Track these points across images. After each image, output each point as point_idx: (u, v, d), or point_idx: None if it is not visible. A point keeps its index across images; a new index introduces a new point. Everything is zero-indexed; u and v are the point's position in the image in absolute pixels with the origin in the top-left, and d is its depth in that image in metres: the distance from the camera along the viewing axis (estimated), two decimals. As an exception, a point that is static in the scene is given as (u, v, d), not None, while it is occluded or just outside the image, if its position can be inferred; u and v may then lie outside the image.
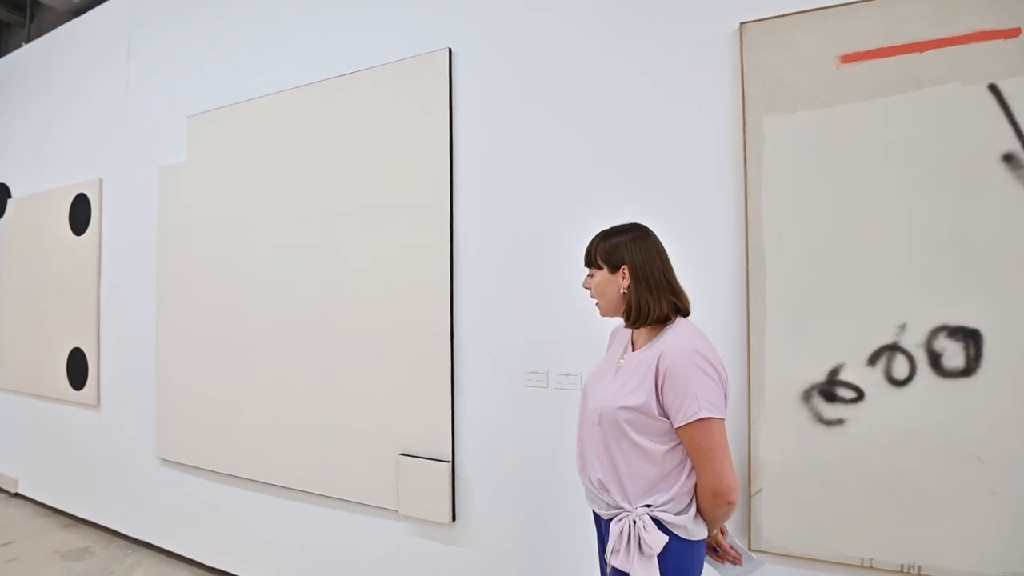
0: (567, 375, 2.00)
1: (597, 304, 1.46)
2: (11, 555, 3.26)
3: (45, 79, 4.07)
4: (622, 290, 1.39)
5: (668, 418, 1.30)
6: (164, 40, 3.30)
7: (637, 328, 1.42)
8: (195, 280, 3.01)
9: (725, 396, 1.30)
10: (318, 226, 2.56)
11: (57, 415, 3.85)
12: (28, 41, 4.34)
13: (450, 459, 2.19)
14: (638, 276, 1.37)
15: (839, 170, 1.60)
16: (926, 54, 1.53)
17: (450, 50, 2.25)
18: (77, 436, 3.71)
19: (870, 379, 1.55)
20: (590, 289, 1.46)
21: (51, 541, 3.45)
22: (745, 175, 1.71)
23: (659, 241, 1.42)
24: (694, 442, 1.27)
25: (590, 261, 1.45)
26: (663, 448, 1.31)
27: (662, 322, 1.38)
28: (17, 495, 4.17)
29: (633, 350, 1.44)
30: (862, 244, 1.57)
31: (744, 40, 1.73)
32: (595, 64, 2.00)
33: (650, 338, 1.39)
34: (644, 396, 1.30)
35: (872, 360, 1.55)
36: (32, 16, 4.70)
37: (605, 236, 1.44)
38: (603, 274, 1.42)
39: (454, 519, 2.21)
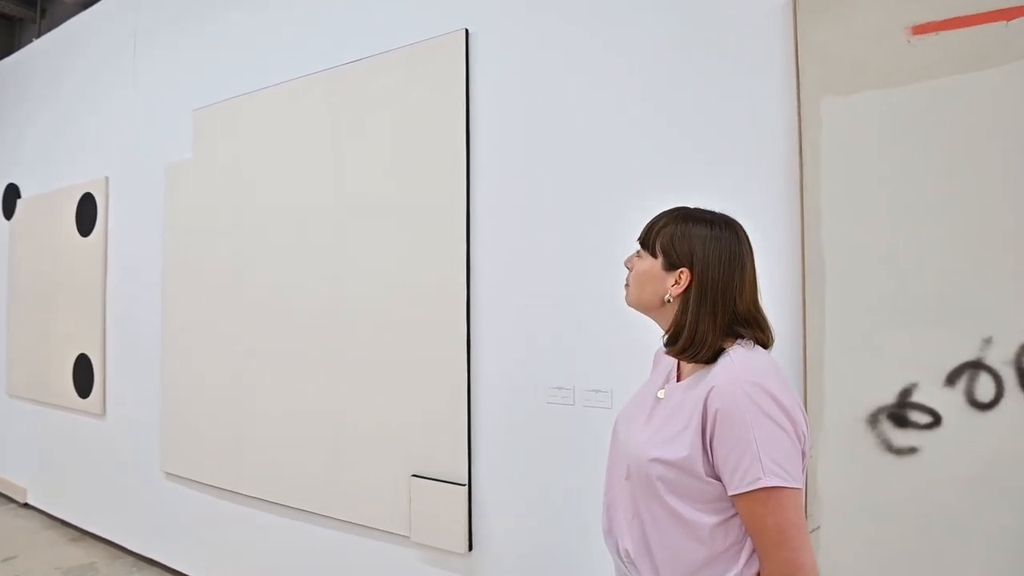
0: (596, 391, 1.89)
1: (628, 288, 1.16)
2: (13, 571, 3.26)
3: (56, 75, 4.12)
4: (667, 296, 1.07)
5: (720, 480, 0.98)
6: (171, 31, 3.30)
7: (679, 359, 1.09)
8: (200, 285, 2.97)
9: (804, 455, 0.97)
10: (326, 225, 2.50)
11: (64, 423, 3.88)
12: (39, 36, 4.37)
13: (466, 482, 2.10)
14: (705, 290, 1.04)
15: (911, 158, 1.45)
16: (1012, 23, 1.36)
17: (467, 31, 2.16)
18: (83, 446, 3.72)
19: (948, 401, 1.39)
20: (630, 269, 1.16)
21: (55, 556, 3.44)
22: (800, 165, 1.57)
23: (751, 250, 1.09)
24: (756, 518, 0.94)
25: (646, 240, 1.13)
26: (711, 520, 0.98)
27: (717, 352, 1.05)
28: (26, 505, 4.21)
29: (678, 380, 1.14)
30: (939, 244, 1.41)
31: (798, 11, 1.58)
32: (628, 44, 1.88)
33: (701, 365, 1.06)
34: (686, 448, 0.99)
35: (951, 379, 1.39)
36: (43, 11, 4.74)
37: (680, 217, 1.10)
38: (652, 264, 1.10)
39: (471, 548, 2.11)
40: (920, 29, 1.45)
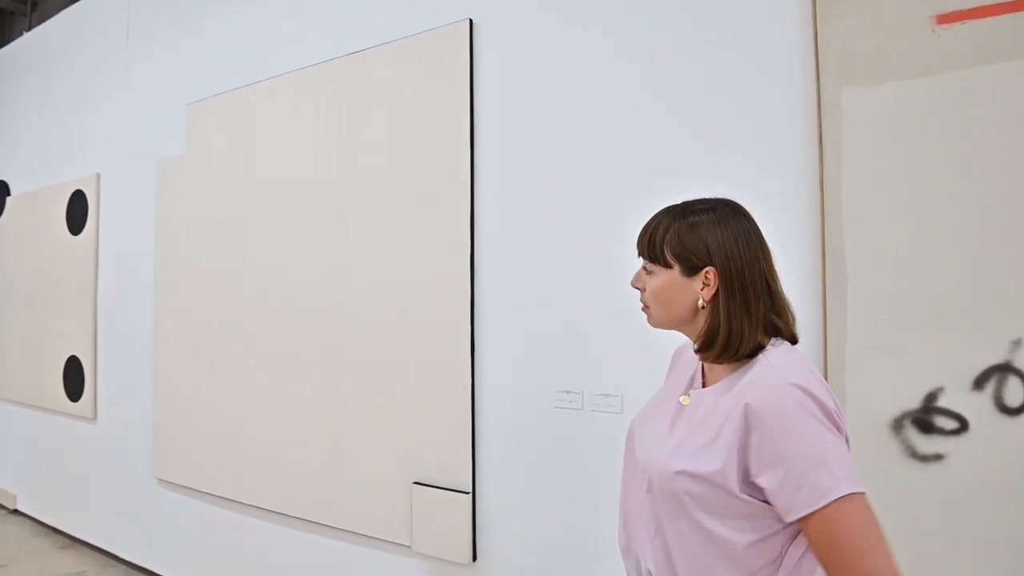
0: (605, 395, 1.86)
1: (648, 310, 1.05)
2: (0, 580, 3.24)
3: (46, 69, 4.11)
4: (701, 302, 0.98)
5: (765, 501, 0.89)
6: (164, 24, 3.28)
7: (715, 362, 1.00)
8: (193, 284, 2.95)
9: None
10: (323, 225, 2.48)
11: (55, 428, 3.86)
12: (29, 29, 4.36)
13: (470, 490, 2.07)
14: (732, 283, 0.95)
15: (937, 152, 1.42)
16: (1043, 11, 1.34)
17: (471, 21, 2.14)
18: (74, 451, 3.71)
19: (976, 406, 1.36)
20: (642, 291, 1.05)
21: (45, 565, 3.42)
22: (821, 160, 1.54)
23: (757, 225, 1.01)
24: (839, 537, 0.83)
25: (652, 252, 1.02)
26: (746, 539, 0.90)
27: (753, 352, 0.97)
28: (16, 511, 4.18)
29: (704, 385, 1.05)
30: (966, 241, 1.38)
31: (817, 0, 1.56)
32: (641, 34, 1.85)
33: (733, 369, 0.98)
34: (719, 461, 0.90)
35: (979, 383, 1.37)
36: (34, 4, 4.72)
37: (679, 214, 1.01)
38: (671, 275, 1.00)
39: (475, 558, 2.09)
40: (945, 18, 1.42)
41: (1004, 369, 1.34)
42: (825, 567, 0.86)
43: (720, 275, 0.96)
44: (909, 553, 1.40)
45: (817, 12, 1.55)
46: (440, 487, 2.12)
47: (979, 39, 1.39)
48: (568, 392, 1.93)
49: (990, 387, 1.35)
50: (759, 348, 0.95)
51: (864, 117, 1.49)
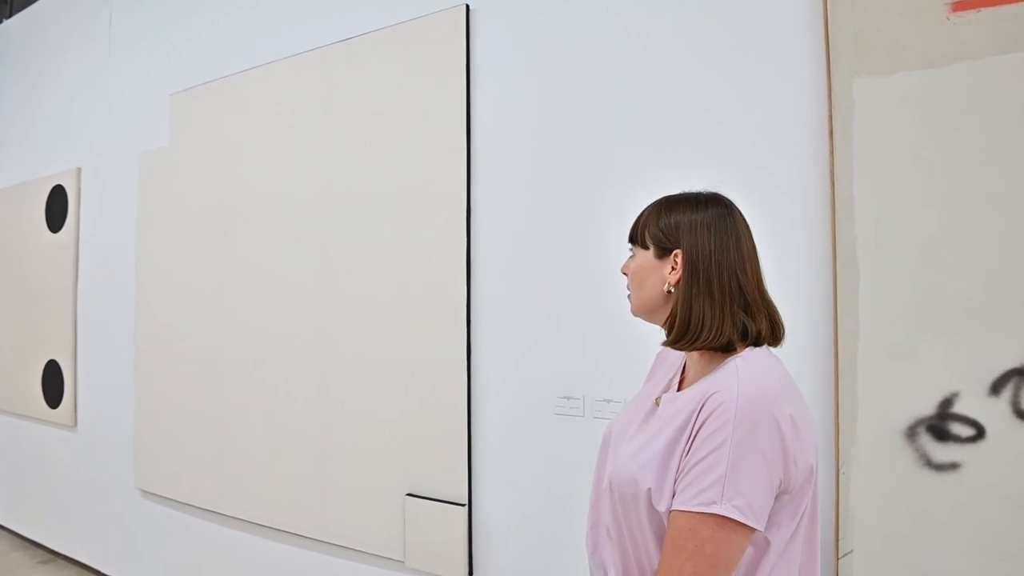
0: (607, 401, 1.88)
1: (629, 296, 1.14)
2: (-25, 597, 3.29)
3: (25, 58, 4.17)
4: (667, 286, 1.05)
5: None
6: (148, 9, 3.33)
7: (679, 349, 1.06)
8: (178, 284, 3.00)
9: (779, 490, 0.92)
10: (314, 220, 2.52)
11: (33, 436, 3.92)
12: (9, 16, 4.42)
13: (466, 502, 2.10)
14: (696, 270, 1.01)
15: (953, 145, 1.44)
16: (1062, -3, 1.36)
17: (467, 7, 2.18)
18: (54, 460, 3.76)
19: (993, 412, 1.38)
20: (627, 275, 1.14)
21: (22, 581, 3.46)
22: (831, 152, 1.56)
23: (747, 228, 1.07)
24: (679, 536, 0.91)
25: (634, 234, 1.13)
26: None
27: (725, 349, 1.02)
28: (-8, 525, 4.24)
29: (680, 388, 1.12)
30: (984, 239, 1.40)
31: (828, -14, 1.59)
32: (645, 21, 1.88)
33: (708, 371, 1.03)
34: (677, 461, 0.96)
35: (996, 388, 1.38)
36: (14, -10, 4.77)
37: (664, 206, 1.09)
38: (647, 256, 1.09)
39: (470, 573, 2.11)
40: (960, 6, 1.44)
41: (1022, 373, 1.36)
42: (661, 562, 0.93)
43: (686, 259, 1.03)
44: (922, 565, 1.43)
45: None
46: (434, 499, 2.15)
47: (996, 27, 1.40)
48: (569, 398, 1.96)
49: (1007, 392, 1.37)
50: (728, 347, 1.00)
51: (877, 108, 1.51)
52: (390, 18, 2.36)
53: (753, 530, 0.89)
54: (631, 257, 1.14)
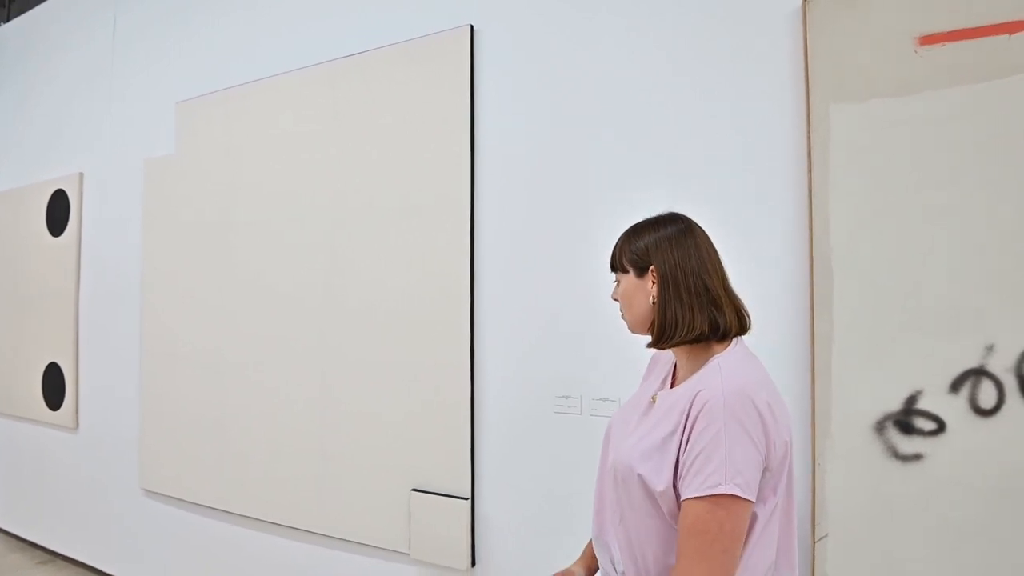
0: (604, 400, 2.02)
1: (624, 318, 1.33)
2: (-25, 597, 3.38)
3: (26, 62, 4.24)
4: (651, 299, 1.23)
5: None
6: (154, 16, 3.41)
7: (660, 348, 1.27)
8: (182, 288, 3.09)
9: (763, 467, 1.09)
10: (319, 228, 2.63)
11: (33, 438, 3.98)
12: (8, 20, 4.50)
13: (469, 495, 2.22)
14: (666, 279, 1.21)
15: (919, 166, 1.61)
16: (1015, 36, 1.53)
17: (472, 27, 2.30)
18: (54, 462, 3.83)
19: (953, 408, 1.56)
20: (619, 301, 1.33)
21: (22, 581, 3.55)
22: (809, 171, 1.73)
23: (705, 237, 1.27)
24: (699, 522, 1.06)
25: (614, 263, 1.33)
26: None
27: (702, 342, 1.21)
28: (-10, 527, 4.30)
29: (672, 385, 1.31)
30: (945, 251, 1.58)
31: (808, 17, 1.75)
32: (638, 46, 2.03)
33: (694, 369, 1.21)
34: (667, 472, 1.12)
35: (955, 386, 1.56)
36: (11, -7, 4.86)
37: (632, 233, 1.30)
38: (629, 279, 1.28)
39: (473, 564, 2.23)
40: (927, 40, 1.62)
41: (979, 373, 1.54)
42: (682, 550, 1.08)
43: (658, 270, 1.23)
44: (891, 548, 1.61)
45: (808, 30, 1.75)
46: (439, 493, 2.27)
47: (958, 60, 1.58)
48: (567, 397, 2.09)
49: (966, 390, 1.55)
50: (701, 338, 1.19)
51: (851, 131, 1.69)
52: (397, 36, 2.47)
53: (751, 504, 1.07)
54: (617, 285, 1.33)
